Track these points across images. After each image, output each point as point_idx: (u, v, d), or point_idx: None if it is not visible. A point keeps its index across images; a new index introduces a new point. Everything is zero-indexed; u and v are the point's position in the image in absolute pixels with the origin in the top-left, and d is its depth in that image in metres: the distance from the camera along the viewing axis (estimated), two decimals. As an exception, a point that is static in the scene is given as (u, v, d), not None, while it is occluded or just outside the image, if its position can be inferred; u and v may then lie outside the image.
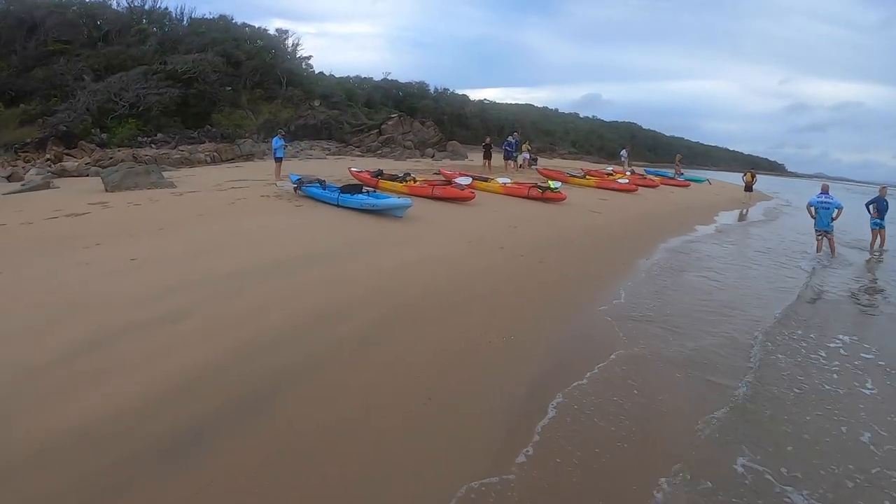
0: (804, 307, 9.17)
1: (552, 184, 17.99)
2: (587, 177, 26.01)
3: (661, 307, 8.31)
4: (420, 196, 14.73)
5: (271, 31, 53.43)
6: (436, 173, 22.42)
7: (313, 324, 6.05)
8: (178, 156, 26.16)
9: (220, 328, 5.63)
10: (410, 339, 6.11)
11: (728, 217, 22.47)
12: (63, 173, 20.26)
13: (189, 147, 29.29)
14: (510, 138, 25.64)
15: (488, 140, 24.76)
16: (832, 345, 7.31)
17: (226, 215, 11.10)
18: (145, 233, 9.35)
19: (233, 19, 51.77)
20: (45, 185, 16.42)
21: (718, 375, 5.98)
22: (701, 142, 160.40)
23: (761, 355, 6.67)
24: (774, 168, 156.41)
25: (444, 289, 7.86)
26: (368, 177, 16.57)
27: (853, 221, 17.26)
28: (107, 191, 14.41)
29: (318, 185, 13.37)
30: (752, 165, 46.38)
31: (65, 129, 28.69)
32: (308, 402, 4.63)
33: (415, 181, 15.86)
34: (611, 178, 26.53)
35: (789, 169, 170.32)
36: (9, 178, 19.23)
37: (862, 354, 7.05)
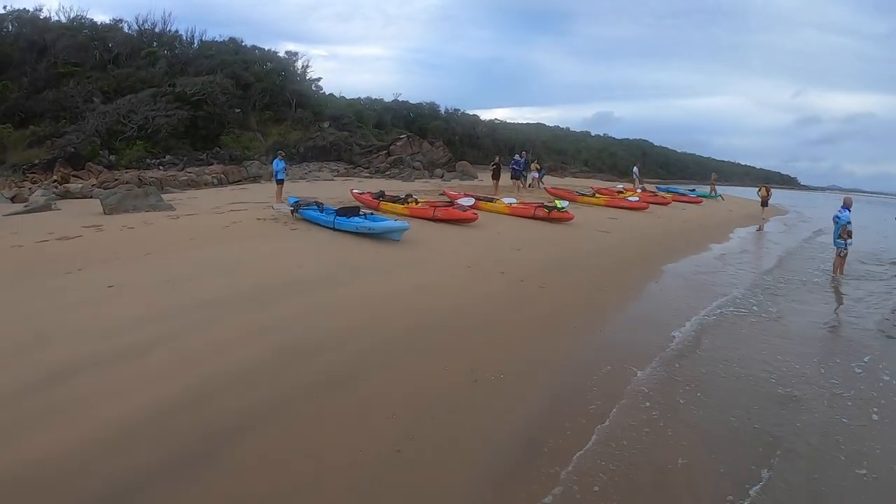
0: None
1: (559, 203, 17.57)
2: (597, 195, 25.61)
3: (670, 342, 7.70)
4: (421, 218, 14.41)
5: (281, 54, 53.75)
6: (440, 194, 22.17)
7: (282, 361, 5.66)
8: (185, 178, 26.03)
9: (182, 364, 5.29)
10: (387, 378, 5.65)
11: (743, 234, 21.87)
12: (67, 195, 20.12)
13: (197, 169, 29.15)
14: (517, 156, 25.25)
15: (497, 160, 24.26)
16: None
17: (216, 239, 10.84)
18: (131, 258, 9.10)
19: (242, 42, 52.18)
20: (47, 207, 16.26)
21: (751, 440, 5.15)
22: (713, 157, 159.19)
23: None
24: (787, 182, 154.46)
25: (434, 320, 7.44)
26: (370, 198, 16.28)
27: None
28: (105, 213, 14.22)
29: (315, 207, 13.09)
30: (765, 180, 45.95)
31: (73, 150, 28.63)
32: (262, 456, 4.18)
33: (416, 203, 15.55)
34: (621, 196, 26.12)
35: (802, 182, 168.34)
36: (13, 199, 19.11)
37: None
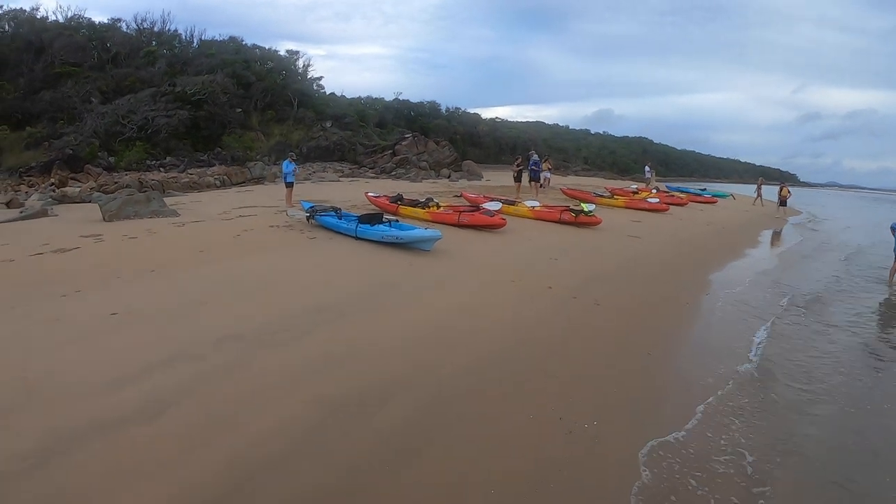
0: None
1: (585, 206, 16.60)
2: (615, 196, 24.63)
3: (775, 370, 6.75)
4: (445, 223, 13.41)
5: (282, 53, 52.78)
6: (456, 196, 21.18)
7: (332, 422, 4.60)
8: (187, 180, 25.03)
9: (199, 433, 4.25)
10: (467, 440, 4.60)
11: (769, 237, 21.07)
12: (65, 199, 19.12)
13: (198, 170, 28.16)
14: (535, 157, 24.11)
15: (520, 160, 22.88)
16: None
17: (229, 252, 9.77)
18: (135, 275, 8.04)
19: (243, 41, 51.20)
20: (43, 213, 15.27)
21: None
22: (713, 154, 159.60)
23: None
24: (786, 179, 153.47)
25: (498, 353, 6.40)
26: (387, 202, 15.27)
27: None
28: (104, 220, 13.21)
29: (332, 213, 12.06)
30: (763, 176, 44.86)
31: (71, 152, 27.61)
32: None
33: (438, 207, 14.53)
34: (638, 197, 25.18)
35: (802, 179, 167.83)
36: (8, 205, 18.14)
37: None
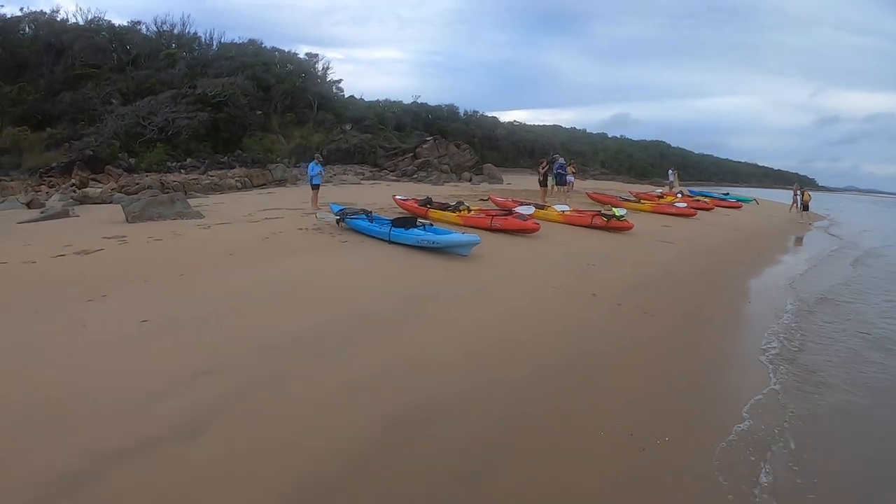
0: None
1: (617, 211, 16.07)
2: (642, 201, 24.04)
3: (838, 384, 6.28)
4: (477, 227, 12.93)
5: (301, 56, 52.69)
6: (483, 199, 20.72)
7: (382, 443, 4.13)
8: (208, 181, 24.77)
9: (246, 453, 3.80)
10: (536, 456, 4.18)
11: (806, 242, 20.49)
12: (86, 200, 18.85)
13: (219, 172, 27.96)
14: (561, 160, 23.46)
15: (546, 163, 22.16)
16: None
17: (260, 255, 9.36)
18: (164, 279, 7.62)
19: (262, 44, 51.18)
20: (65, 214, 14.97)
21: None
22: (730, 158, 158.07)
23: None
24: (806, 184, 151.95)
25: (554, 365, 5.92)
26: (416, 205, 14.80)
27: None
28: (128, 221, 12.89)
29: (363, 216, 11.62)
30: (782, 181, 44.33)
31: (91, 153, 27.50)
32: None
33: (468, 210, 14.05)
34: (664, 201, 24.62)
35: (820, 183, 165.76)
36: (28, 205, 17.89)
37: None
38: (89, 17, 42.65)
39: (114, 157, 28.20)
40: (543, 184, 21.31)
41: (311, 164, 16.40)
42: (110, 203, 18.32)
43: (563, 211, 16.56)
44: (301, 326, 6.02)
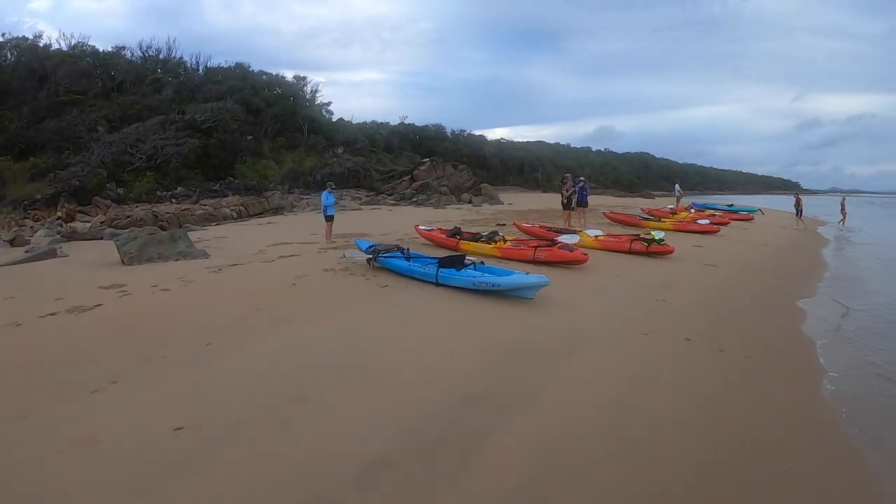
0: None
1: (656, 234, 14.81)
2: (662, 220, 22.89)
3: None
4: (517, 260, 11.60)
5: (289, 79, 51.50)
6: (500, 224, 19.43)
7: None
8: (202, 212, 23.30)
9: None
10: None
11: (831, 253, 19.51)
12: (74, 236, 17.31)
13: (212, 201, 26.54)
14: (581, 179, 22.03)
15: (569, 186, 20.45)
16: None
17: (292, 308, 7.86)
18: (186, 351, 6.08)
19: (249, 67, 49.93)
20: (52, 254, 13.43)
21: None
22: (714, 167, 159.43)
23: None
24: (790, 187, 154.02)
25: (715, 453, 4.56)
26: (443, 236, 13.43)
27: None
28: (124, 263, 11.40)
29: (399, 254, 10.21)
30: (768, 186, 44.08)
31: (78, 183, 26.07)
32: None
33: (504, 241, 12.68)
34: (684, 218, 23.67)
35: (804, 186, 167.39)
36: (12, 243, 16.31)
37: None
38: (73, 43, 41.45)
39: (101, 187, 26.72)
40: (567, 206, 19.94)
41: (324, 194, 14.96)
42: (101, 238, 16.83)
43: (597, 236, 15.27)
44: (399, 425, 4.51)
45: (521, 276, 8.78)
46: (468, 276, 8.98)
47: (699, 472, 4.25)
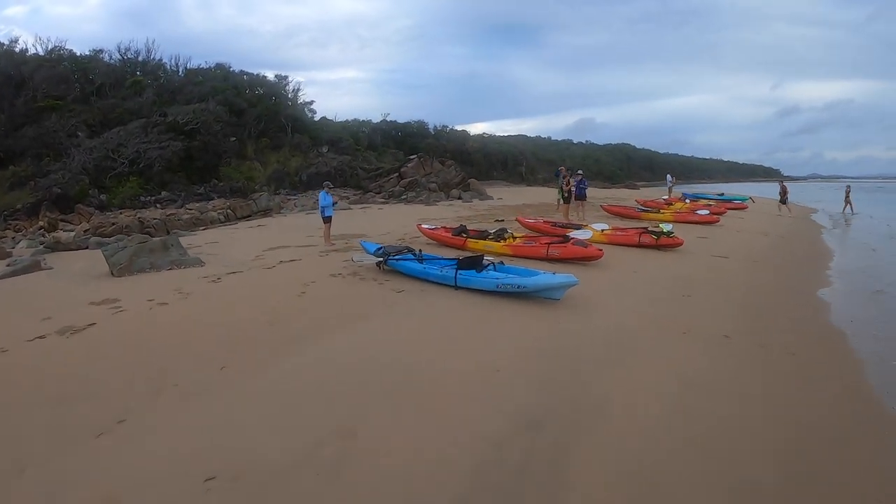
0: None
1: (664, 227, 14.40)
2: (661, 211, 22.59)
3: None
4: (530, 258, 11.12)
5: (270, 79, 50.49)
6: (498, 220, 18.95)
7: None
8: (189, 216, 22.58)
9: None
10: None
11: (835, 242, 19.17)
12: (58, 247, 16.51)
13: (198, 205, 25.81)
14: (579, 173, 21.57)
15: (568, 177, 20.01)
16: None
17: (308, 321, 7.24)
18: (200, 380, 5.35)
19: (230, 68, 48.81)
20: (36, 266, 12.73)
21: None
22: (695, 156, 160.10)
23: None
24: (770, 174, 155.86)
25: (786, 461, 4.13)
26: (447, 235, 12.89)
27: None
28: (113, 275, 10.75)
29: (411, 256, 9.65)
30: (749, 174, 44.48)
31: (59, 191, 25.18)
32: None
33: (514, 238, 12.17)
34: (681, 208, 23.61)
35: (785, 173, 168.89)
36: (-8, 256, 15.53)
37: None
38: (49, 47, 40.09)
39: (84, 194, 25.83)
40: (567, 200, 19.47)
41: (322, 194, 14.36)
42: (86, 248, 16.08)
43: (604, 230, 14.84)
44: (471, 459, 3.90)
45: (549, 275, 8.22)
46: (490, 277, 8.44)
47: (784, 469, 4.02)
